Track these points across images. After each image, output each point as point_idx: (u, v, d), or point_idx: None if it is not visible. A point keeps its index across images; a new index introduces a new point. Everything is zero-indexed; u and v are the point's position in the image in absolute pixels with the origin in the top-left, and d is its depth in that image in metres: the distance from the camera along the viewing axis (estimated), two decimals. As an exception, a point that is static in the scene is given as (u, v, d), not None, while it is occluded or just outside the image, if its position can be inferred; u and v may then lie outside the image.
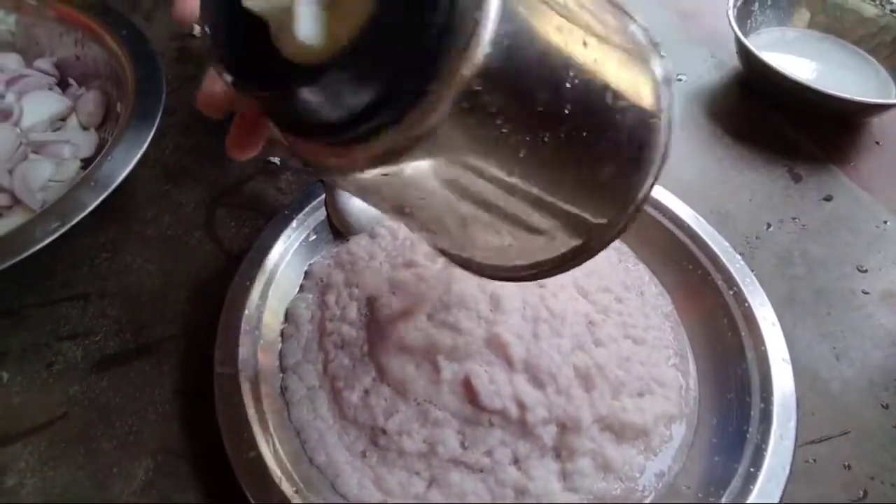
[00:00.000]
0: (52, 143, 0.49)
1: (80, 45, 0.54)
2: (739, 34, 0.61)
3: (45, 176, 0.47)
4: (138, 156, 0.44)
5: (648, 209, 0.49)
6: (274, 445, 0.37)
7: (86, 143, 0.51)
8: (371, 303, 0.42)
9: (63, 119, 0.53)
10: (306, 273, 0.46)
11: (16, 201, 0.47)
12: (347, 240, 0.47)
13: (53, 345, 0.43)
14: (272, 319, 0.43)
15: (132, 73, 0.49)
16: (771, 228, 0.54)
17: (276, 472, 0.35)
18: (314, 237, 0.47)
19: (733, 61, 0.67)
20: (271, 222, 0.46)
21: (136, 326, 0.44)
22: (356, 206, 0.48)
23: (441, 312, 0.41)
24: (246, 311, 0.41)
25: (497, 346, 0.40)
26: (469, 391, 0.38)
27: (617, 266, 0.47)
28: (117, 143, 0.44)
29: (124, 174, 0.43)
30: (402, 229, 0.48)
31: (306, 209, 0.47)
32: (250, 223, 0.51)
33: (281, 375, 0.41)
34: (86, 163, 0.50)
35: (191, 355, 0.43)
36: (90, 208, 0.41)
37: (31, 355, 0.43)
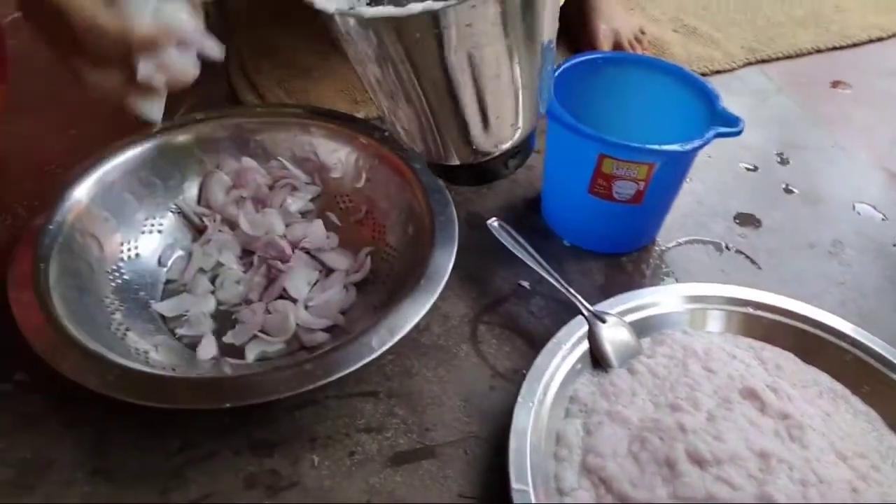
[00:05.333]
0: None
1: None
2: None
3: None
4: (441, 286, 0.51)
5: (894, 376, 0.51)
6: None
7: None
8: (640, 443, 0.46)
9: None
10: (571, 398, 0.51)
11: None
12: (607, 371, 0.52)
13: (353, 435, 0.49)
14: (547, 440, 0.48)
15: (426, 204, 0.57)
16: None
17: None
18: (579, 366, 0.52)
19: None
20: (544, 350, 0.51)
21: (420, 427, 0.50)
22: (616, 341, 0.53)
23: (713, 466, 0.44)
24: (531, 432, 0.46)
25: (770, 506, 0.42)
26: (748, 545, 0.41)
27: (869, 433, 0.49)
28: (426, 268, 0.51)
29: (434, 298, 0.50)
30: (659, 368, 0.52)
31: (573, 340, 0.52)
32: (509, 342, 0.57)
33: (558, 497, 0.45)
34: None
35: (471, 463, 0.48)
36: (408, 327, 0.48)
37: (335, 443, 0.49)
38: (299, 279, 0.57)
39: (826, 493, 0.43)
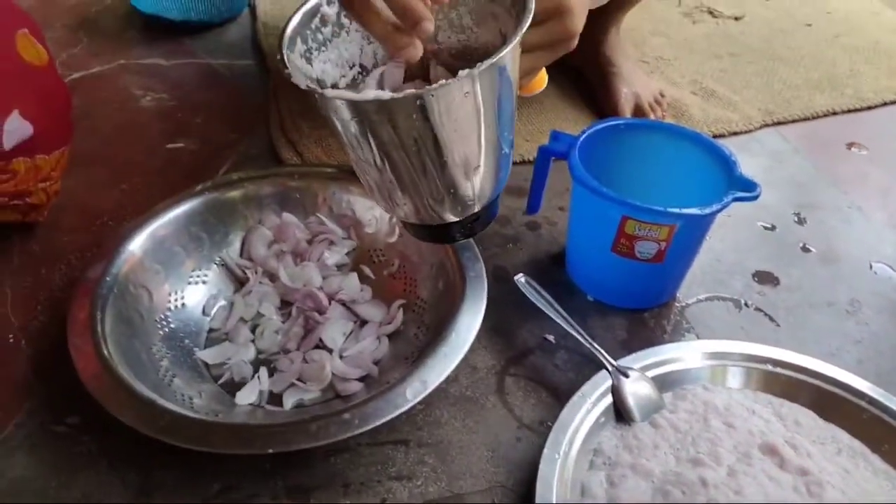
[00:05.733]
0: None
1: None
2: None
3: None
4: (474, 335, 0.53)
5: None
6: None
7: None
8: (663, 496, 0.48)
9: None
10: (595, 451, 0.53)
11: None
12: (630, 425, 0.54)
13: (385, 482, 0.52)
14: (573, 492, 0.49)
15: (455, 260, 0.60)
16: None
17: None
18: (602, 419, 0.54)
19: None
20: (569, 403, 0.53)
21: (449, 476, 0.52)
22: (639, 395, 0.55)
23: (734, 519, 0.46)
24: (556, 483, 0.48)
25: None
26: None
27: (889, 492, 0.50)
28: (457, 321, 0.54)
29: (466, 348, 0.52)
30: (680, 422, 0.54)
31: (597, 394, 0.54)
32: (535, 395, 0.59)
33: (583, 547, 0.47)
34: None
35: (499, 513, 0.50)
36: (441, 379, 0.50)
37: (367, 489, 0.51)
38: (335, 330, 0.60)
39: (845, 549, 0.45)
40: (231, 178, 0.67)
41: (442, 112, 0.44)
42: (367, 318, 0.62)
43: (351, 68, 0.54)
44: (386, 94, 0.43)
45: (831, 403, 0.55)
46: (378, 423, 0.47)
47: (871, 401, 0.55)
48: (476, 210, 0.53)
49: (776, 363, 0.57)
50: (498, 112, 0.48)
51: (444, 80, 0.42)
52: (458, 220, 0.53)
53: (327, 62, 0.52)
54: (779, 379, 0.57)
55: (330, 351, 0.59)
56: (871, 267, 0.74)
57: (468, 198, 0.51)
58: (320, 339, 0.59)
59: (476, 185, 0.50)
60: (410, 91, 0.44)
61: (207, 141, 0.86)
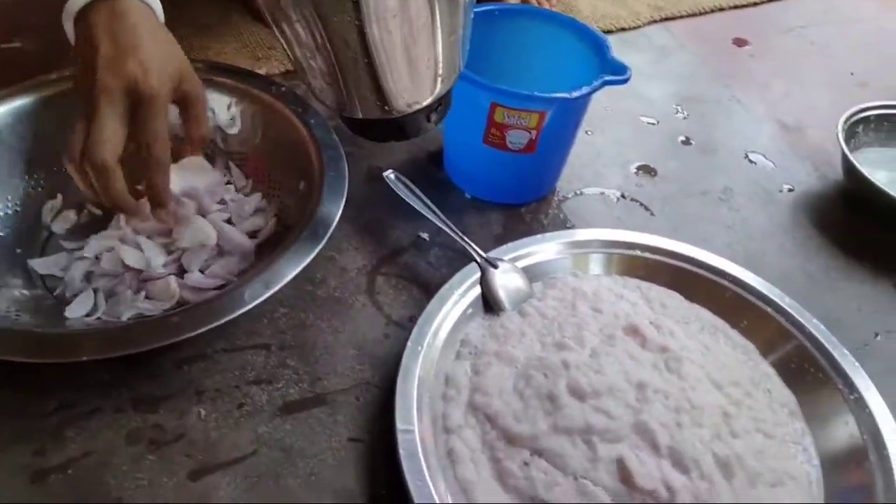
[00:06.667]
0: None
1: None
2: (848, 153, 0.67)
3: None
4: (325, 239, 0.50)
5: (770, 310, 0.54)
6: (447, 502, 0.41)
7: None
8: (526, 380, 0.47)
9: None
10: (462, 341, 0.51)
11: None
12: (498, 314, 0.53)
13: (243, 388, 0.49)
14: (436, 381, 0.48)
15: (318, 160, 0.56)
16: (879, 337, 0.58)
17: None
18: (470, 310, 0.52)
19: (836, 175, 0.72)
20: (436, 295, 0.52)
21: (312, 377, 0.50)
22: (509, 286, 0.54)
23: (592, 398, 0.46)
24: (419, 374, 0.47)
25: (644, 432, 0.44)
26: (623, 471, 0.42)
27: (745, 363, 0.52)
28: (310, 221, 0.51)
29: (314, 253, 0.49)
30: (548, 309, 0.53)
31: (465, 285, 0.53)
32: (406, 292, 0.57)
33: (445, 436, 0.46)
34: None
35: (362, 408, 0.49)
36: (287, 279, 0.47)
37: (223, 396, 0.48)
38: (193, 242, 0.55)
39: (698, 418, 0.45)
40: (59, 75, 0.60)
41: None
42: (230, 230, 0.58)
43: None
44: None
45: (695, 284, 0.56)
46: (209, 326, 0.43)
47: (734, 280, 0.56)
48: (426, 103, 0.49)
49: (643, 248, 0.57)
50: None
51: None
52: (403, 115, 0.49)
53: None
54: (645, 263, 0.57)
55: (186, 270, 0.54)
56: (746, 156, 0.75)
57: (411, 91, 0.47)
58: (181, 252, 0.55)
59: (422, 75, 0.47)
60: None
61: (50, 41, 0.77)
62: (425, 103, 0.49)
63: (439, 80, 0.48)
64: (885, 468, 0.45)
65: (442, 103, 0.51)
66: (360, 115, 0.49)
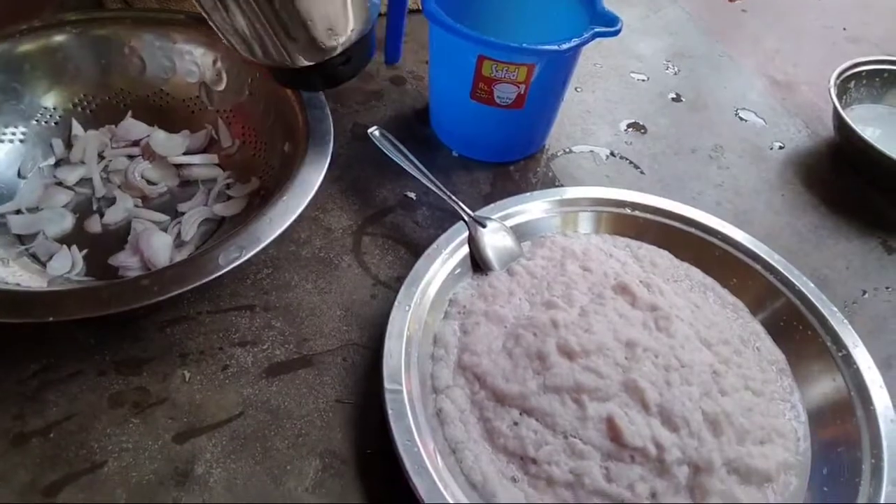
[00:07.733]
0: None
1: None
2: (840, 109, 0.66)
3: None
4: (308, 199, 0.48)
5: (759, 268, 0.53)
6: (437, 461, 0.41)
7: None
8: (515, 340, 0.47)
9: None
10: (450, 301, 0.51)
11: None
12: (487, 274, 0.52)
13: (227, 349, 0.48)
14: (424, 342, 0.48)
15: (303, 119, 0.54)
16: (866, 295, 0.58)
17: (441, 485, 0.40)
18: (458, 270, 0.52)
19: (827, 132, 0.72)
20: (423, 255, 0.51)
21: (298, 339, 0.49)
22: (497, 245, 0.53)
23: (582, 357, 0.45)
24: (406, 334, 0.46)
25: (633, 391, 0.44)
26: (612, 429, 0.42)
27: (734, 321, 0.51)
28: (291, 184, 0.49)
29: (296, 215, 0.47)
30: (537, 269, 0.52)
31: (453, 245, 0.52)
32: (392, 252, 0.56)
33: (434, 396, 0.46)
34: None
35: (349, 369, 0.48)
36: (265, 243, 0.45)
37: (208, 358, 0.48)
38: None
39: (688, 376, 0.45)
40: (51, 21, 0.57)
41: None
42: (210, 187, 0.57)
43: None
44: None
45: (685, 242, 0.55)
46: (180, 290, 0.41)
47: (723, 238, 0.55)
48: (335, 54, 0.47)
49: (633, 206, 0.56)
50: None
51: None
52: (314, 63, 0.48)
53: None
54: (635, 221, 0.56)
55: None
56: (736, 113, 0.74)
57: (322, 38, 0.46)
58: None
59: (332, 21, 0.45)
60: None
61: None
62: (339, 49, 0.48)
63: (350, 27, 0.48)
64: (871, 423, 0.45)
65: (361, 50, 0.51)
66: (293, 64, 0.48)
